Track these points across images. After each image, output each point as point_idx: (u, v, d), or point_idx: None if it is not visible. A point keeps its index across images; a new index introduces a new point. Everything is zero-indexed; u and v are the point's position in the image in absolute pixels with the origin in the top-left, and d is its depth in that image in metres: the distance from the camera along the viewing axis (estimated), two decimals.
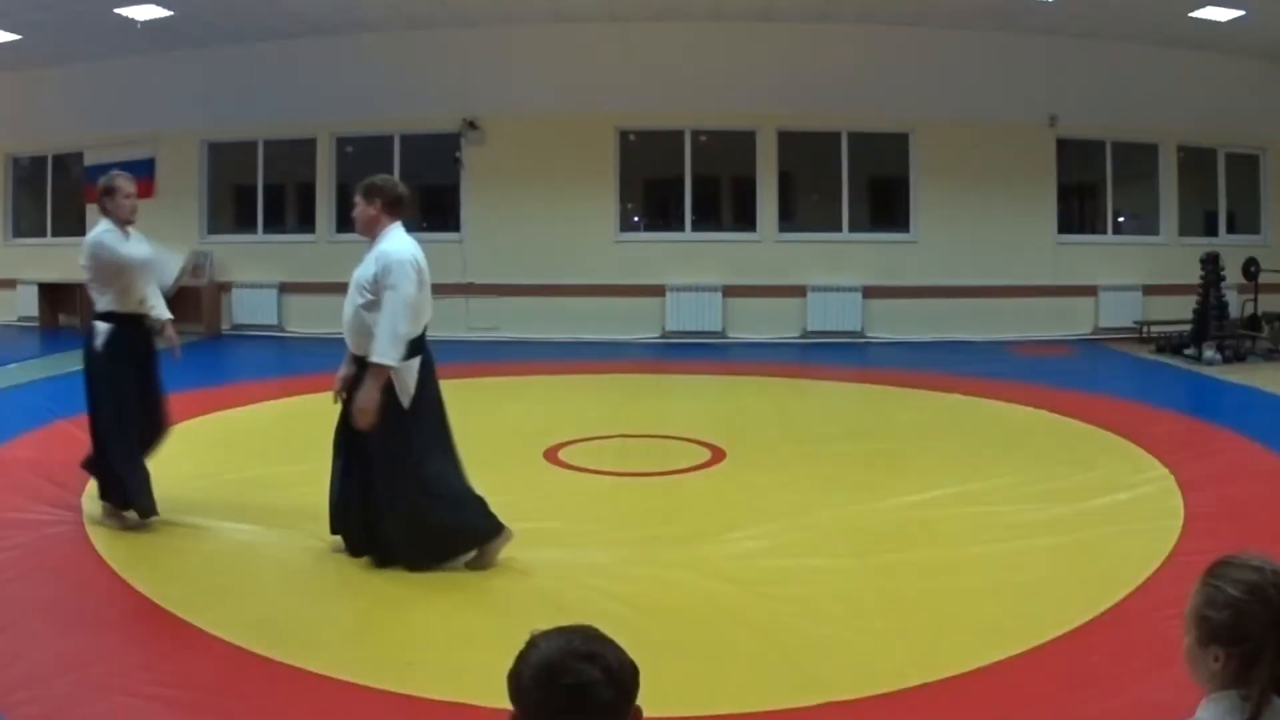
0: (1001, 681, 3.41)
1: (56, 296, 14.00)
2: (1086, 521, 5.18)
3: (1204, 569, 1.77)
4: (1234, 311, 11.98)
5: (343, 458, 4.61)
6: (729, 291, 13.19)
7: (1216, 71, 13.01)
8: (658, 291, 13.14)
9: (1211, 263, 11.52)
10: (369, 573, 4.49)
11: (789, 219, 13.65)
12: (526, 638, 1.53)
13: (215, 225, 14.12)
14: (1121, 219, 14.03)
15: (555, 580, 4.43)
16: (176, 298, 15.09)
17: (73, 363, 10.71)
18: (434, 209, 13.96)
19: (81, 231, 14.15)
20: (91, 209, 14.00)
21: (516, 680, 1.48)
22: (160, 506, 5.38)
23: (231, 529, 5.05)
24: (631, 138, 13.54)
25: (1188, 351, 11.39)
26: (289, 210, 14.57)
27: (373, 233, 4.66)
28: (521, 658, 1.50)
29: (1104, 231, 13.85)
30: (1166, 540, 4.80)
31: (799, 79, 12.88)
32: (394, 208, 4.67)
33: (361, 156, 13.75)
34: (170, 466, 6.24)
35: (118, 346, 5.23)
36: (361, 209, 4.70)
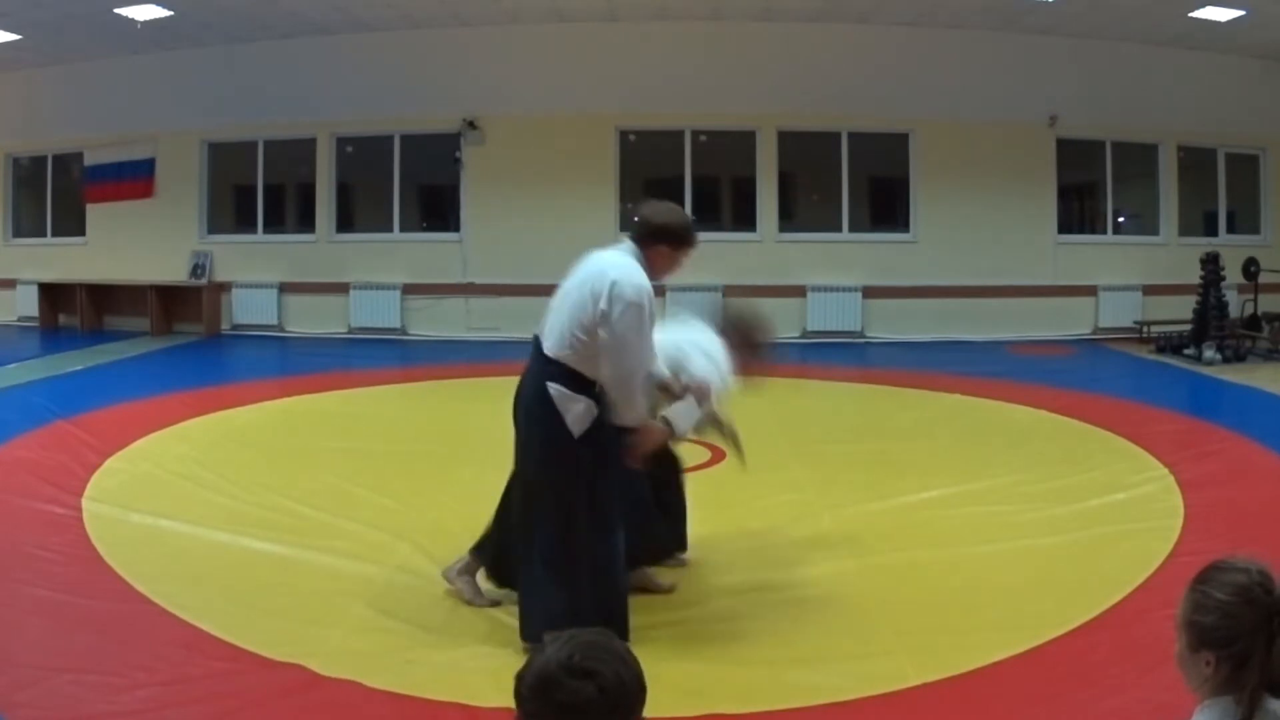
0: (1001, 681, 3.41)
1: (56, 296, 14.01)
2: (1086, 521, 5.18)
3: (1193, 576, 1.78)
4: (1234, 311, 11.98)
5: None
6: (729, 292, 13.16)
7: (1216, 71, 13.01)
8: (658, 291, 13.09)
9: (1211, 263, 11.52)
10: (368, 572, 4.49)
11: (789, 219, 13.64)
12: (546, 636, 1.54)
13: (215, 225, 14.10)
14: (1121, 219, 14.03)
15: None
16: (177, 295, 15.15)
17: (72, 362, 10.79)
18: (434, 209, 13.95)
19: (81, 231, 14.41)
20: (92, 209, 14.15)
21: (517, 685, 1.49)
22: (159, 506, 5.40)
23: (231, 529, 5.04)
24: (631, 138, 13.54)
25: (1188, 351, 11.39)
26: (289, 210, 14.56)
27: None
28: (527, 663, 1.50)
29: (1104, 231, 13.85)
30: (1166, 540, 4.80)
31: (799, 79, 12.88)
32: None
33: (361, 156, 13.76)
34: (169, 466, 6.26)
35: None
36: None
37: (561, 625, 3.32)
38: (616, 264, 3.67)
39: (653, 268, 3.75)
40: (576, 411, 3.53)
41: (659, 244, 3.76)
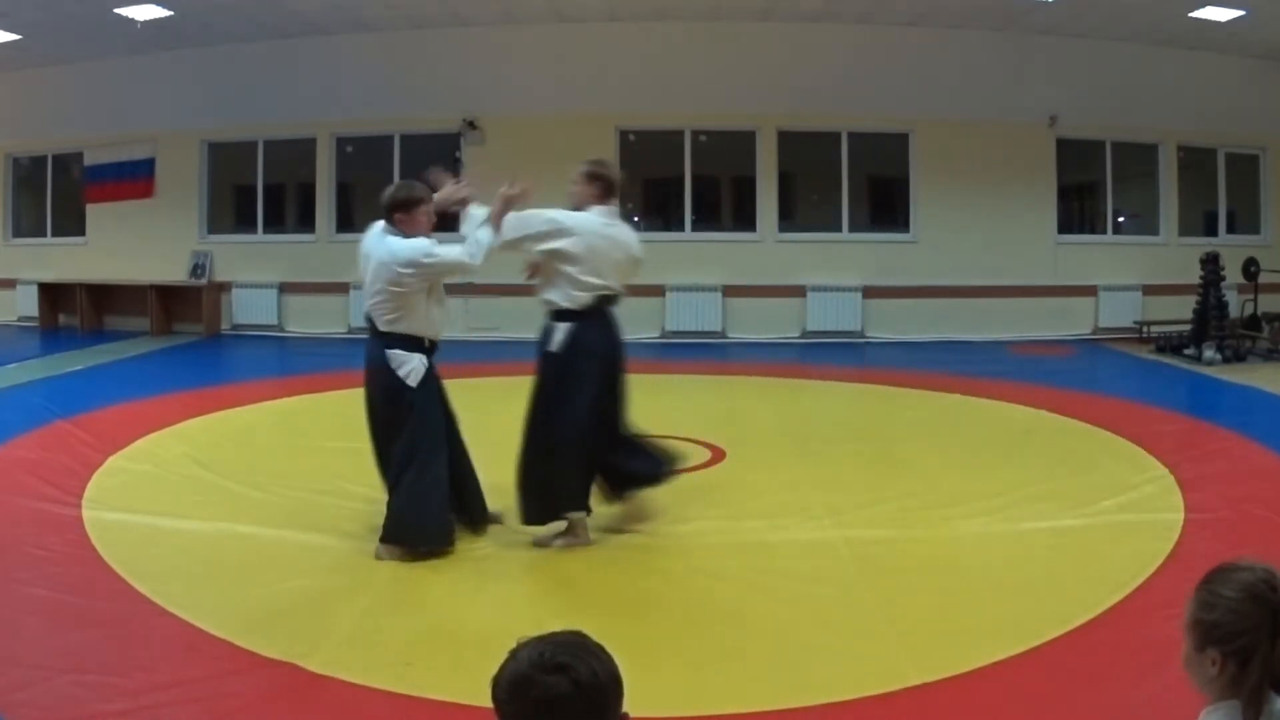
0: (1001, 681, 3.41)
1: (56, 296, 14.01)
2: (1087, 521, 5.18)
3: (1200, 579, 1.79)
4: (1234, 311, 11.97)
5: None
6: (729, 291, 13.18)
7: (1216, 71, 13.01)
8: (657, 291, 13.13)
9: (1211, 263, 11.51)
10: (368, 572, 4.49)
11: (789, 219, 13.64)
12: (519, 640, 1.54)
13: (215, 225, 14.11)
14: (1121, 219, 14.03)
15: (554, 580, 4.44)
16: (177, 295, 15.10)
17: (72, 362, 10.78)
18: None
19: (81, 231, 14.39)
20: (92, 209, 14.15)
21: (494, 690, 1.51)
22: (159, 506, 5.40)
23: (231, 529, 5.04)
24: (631, 138, 13.53)
25: (1188, 351, 11.39)
26: (289, 210, 14.57)
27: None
28: (501, 667, 1.51)
29: (1104, 231, 13.85)
30: (1166, 540, 4.80)
31: (799, 79, 12.88)
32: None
33: (361, 156, 13.76)
34: (170, 467, 6.26)
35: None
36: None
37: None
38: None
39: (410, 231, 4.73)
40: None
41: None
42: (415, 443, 4.63)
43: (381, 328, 4.67)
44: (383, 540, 4.63)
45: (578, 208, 4.86)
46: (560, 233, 4.71)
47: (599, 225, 4.80)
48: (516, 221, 4.73)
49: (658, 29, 12.87)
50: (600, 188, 4.88)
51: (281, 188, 14.43)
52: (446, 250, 4.70)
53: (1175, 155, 13.50)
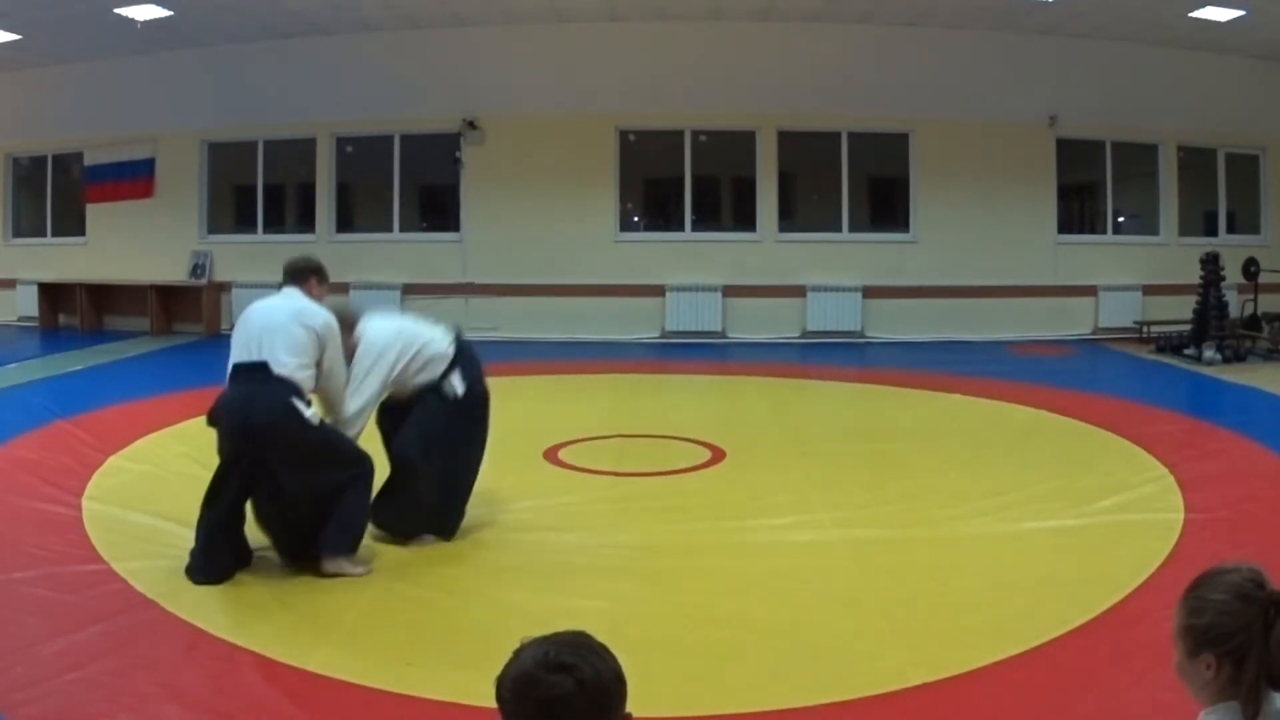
0: (1001, 681, 3.41)
1: (56, 296, 14.01)
2: (1087, 521, 5.18)
3: (1184, 588, 1.80)
4: (1234, 311, 11.98)
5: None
6: (729, 291, 13.19)
7: (1216, 71, 13.02)
8: (657, 291, 13.14)
9: (1211, 263, 11.51)
10: (366, 573, 4.49)
11: (789, 219, 13.65)
12: (523, 640, 1.54)
13: (215, 225, 14.11)
14: (1121, 219, 14.04)
15: (554, 581, 4.44)
16: (177, 295, 15.10)
17: (72, 362, 10.79)
18: (434, 209, 13.95)
19: (82, 232, 14.38)
20: (92, 209, 14.16)
21: (498, 689, 1.51)
22: (159, 506, 5.39)
23: None
24: (631, 138, 13.54)
25: (1188, 351, 11.39)
26: (289, 210, 14.57)
27: None
28: (505, 667, 1.52)
29: (1104, 231, 13.86)
30: (1166, 540, 4.80)
31: (799, 79, 12.89)
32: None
33: (361, 156, 13.76)
34: (169, 467, 6.25)
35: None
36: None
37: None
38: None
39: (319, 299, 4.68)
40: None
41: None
42: (344, 467, 4.51)
43: (285, 371, 4.42)
44: (342, 553, 4.48)
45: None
46: (400, 338, 4.84)
47: (376, 314, 5.04)
48: (366, 383, 4.76)
49: (658, 29, 12.87)
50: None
51: (281, 188, 14.43)
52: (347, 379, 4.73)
53: (1175, 155, 13.51)
